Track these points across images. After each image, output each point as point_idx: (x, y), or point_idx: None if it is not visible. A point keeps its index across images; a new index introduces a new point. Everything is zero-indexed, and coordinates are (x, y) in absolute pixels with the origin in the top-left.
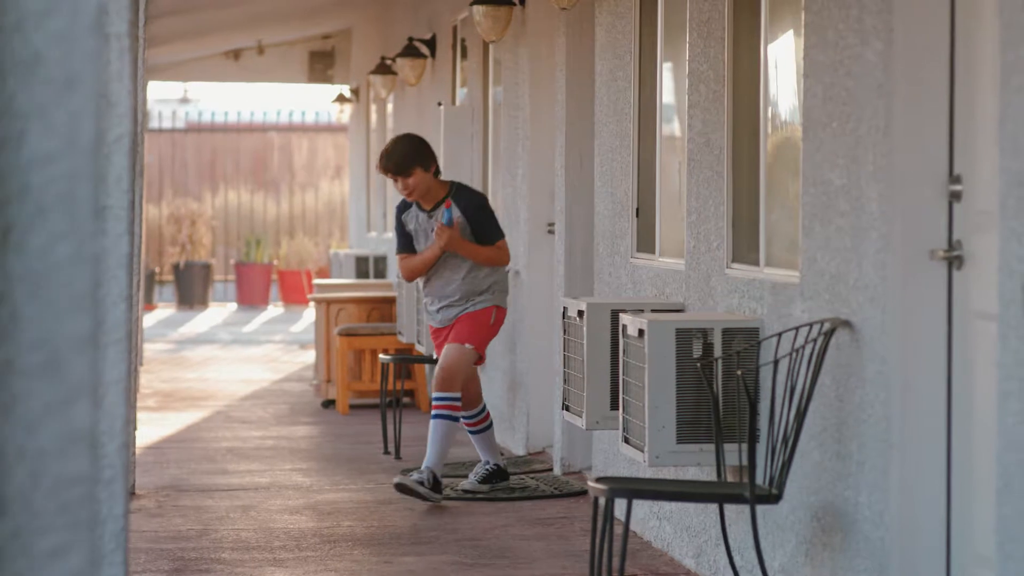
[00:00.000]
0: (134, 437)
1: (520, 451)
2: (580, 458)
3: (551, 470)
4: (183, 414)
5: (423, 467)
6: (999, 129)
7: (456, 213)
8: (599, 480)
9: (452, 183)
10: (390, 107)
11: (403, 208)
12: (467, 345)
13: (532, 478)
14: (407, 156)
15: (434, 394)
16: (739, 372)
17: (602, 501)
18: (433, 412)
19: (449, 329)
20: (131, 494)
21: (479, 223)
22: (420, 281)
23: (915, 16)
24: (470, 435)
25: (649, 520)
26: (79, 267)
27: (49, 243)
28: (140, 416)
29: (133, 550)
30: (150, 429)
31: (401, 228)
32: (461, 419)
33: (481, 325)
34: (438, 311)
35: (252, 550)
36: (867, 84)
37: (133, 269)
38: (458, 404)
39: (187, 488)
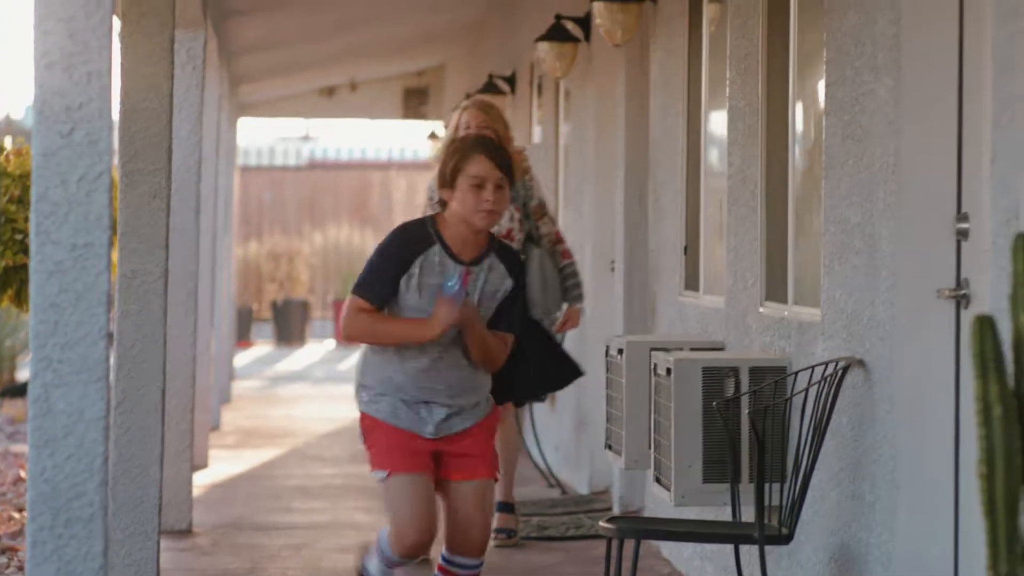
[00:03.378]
0: (161, 475)
1: (584, 490)
2: (639, 497)
3: (610, 509)
4: (260, 451)
5: None
6: (991, 167)
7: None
8: (610, 520)
9: (491, 235)
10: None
11: (418, 242)
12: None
13: (589, 517)
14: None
15: (470, 560)
16: (747, 412)
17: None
18: None
19: (449, 446)
20: (188, 532)
21: (510, 305)
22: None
23: (922, 51)
24: None
25: (693, 560)
26: None
27: None
28: (215, 454)
29: None
30: (223, 466)
31: (393, 265)
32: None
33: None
34: (437, 414)
35: None
36: (879, 121)
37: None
38: None
39: (246, 526)
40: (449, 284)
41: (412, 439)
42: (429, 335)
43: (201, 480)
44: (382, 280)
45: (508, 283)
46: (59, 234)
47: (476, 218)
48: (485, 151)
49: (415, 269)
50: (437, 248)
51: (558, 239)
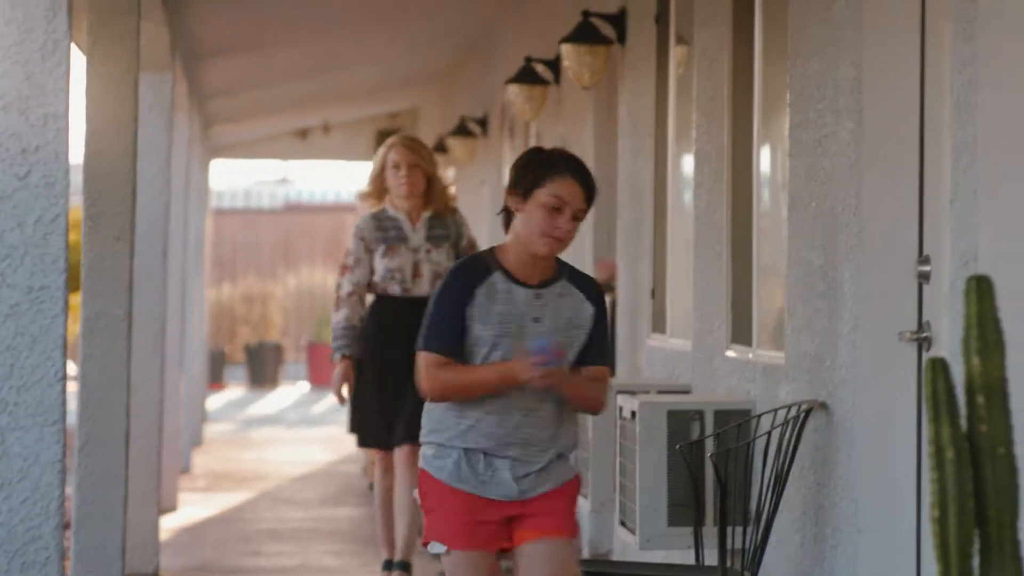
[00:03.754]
0: (125, 519)
1: None
2: (608, 540)
3: (579, 552)
4: (231, 494)
5: None
6: (950, 209)
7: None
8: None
9: (559, 259)
10: (452, 189)
11: (475, 273)
12: (575, 541)
13: None
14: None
15: None
16: (710, 455)
17: None
18: None
19: (525, 508)
20: None
21: (597, 333)
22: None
23: (883, 94)
24: None
25: None
26: None
27: None
28: (185, 496)
29: None
30: (193, 509)
31: (452, 306)
32: None
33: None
34: (515, 471)
35: None
36: (841, 163)
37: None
38: None
39: (215, 570)
40: (536, 344)
41: (478, 506)
42: (517, 380)
43: (170, 523)
44: (446, 325)
45: (588, 309)
46: (15, 277)
47: (540, 242)
48: (577, 173)
49: (479, 299)
50: (498, 275)
51: None
